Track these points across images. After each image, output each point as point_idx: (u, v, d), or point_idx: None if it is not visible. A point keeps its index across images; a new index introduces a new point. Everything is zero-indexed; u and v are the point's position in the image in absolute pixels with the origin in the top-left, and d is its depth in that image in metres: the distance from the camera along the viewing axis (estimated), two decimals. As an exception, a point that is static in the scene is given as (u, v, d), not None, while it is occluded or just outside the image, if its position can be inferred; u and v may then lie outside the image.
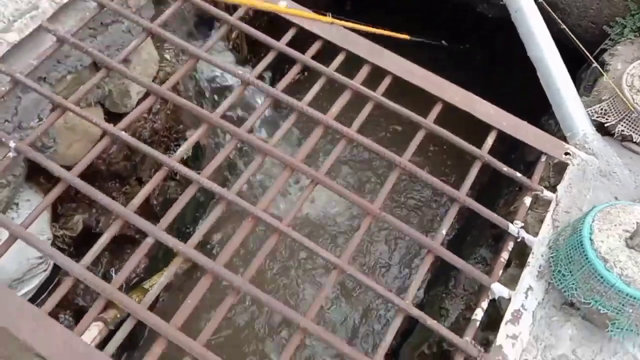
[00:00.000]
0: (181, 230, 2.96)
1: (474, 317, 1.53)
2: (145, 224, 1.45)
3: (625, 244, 1.41)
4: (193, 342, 1.33)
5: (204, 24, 2.67)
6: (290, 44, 1.87)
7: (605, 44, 2.29)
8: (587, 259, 1.40)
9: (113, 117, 2.30)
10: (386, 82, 1.82)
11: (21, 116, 1.81)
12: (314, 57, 1.83)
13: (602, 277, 1.38)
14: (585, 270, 1.41)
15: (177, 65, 2.44)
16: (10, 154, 1.53)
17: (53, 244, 2.31)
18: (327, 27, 1.86)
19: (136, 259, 1.44)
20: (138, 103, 2.33)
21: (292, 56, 1.81)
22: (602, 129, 1.93)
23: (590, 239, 1.41)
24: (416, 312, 1.48)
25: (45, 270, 2.27)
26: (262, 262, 1.50)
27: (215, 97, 2.70)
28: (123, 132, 1.58)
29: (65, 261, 1.39)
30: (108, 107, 2.24)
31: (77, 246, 2.60)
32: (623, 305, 1.39)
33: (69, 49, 1.81)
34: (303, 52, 1.83)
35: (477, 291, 2.23)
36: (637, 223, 1.40)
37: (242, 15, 1.91)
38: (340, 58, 1.85)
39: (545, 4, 2.10)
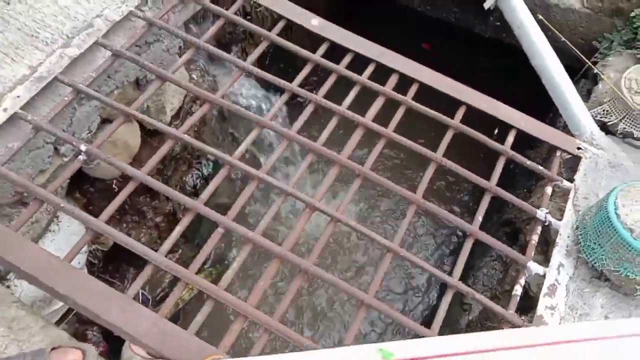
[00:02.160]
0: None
1: (514, 292, 1.67)
2: (214, 214, 1.56)
3: (647, 216, 1.59)
4: (270, 318, 1.43)
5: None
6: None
7: (595, 56, 2.53)
8: (615, 230, 1.58)
9: (146, 133, 2.41)
10: (413, 89, 2.00)
11: (75, 127, 1.91)
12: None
13: (630, 246, 1.55)
14: (614, 241, 1.59)
15: (202, 84, 2.58)
16: (81, 157, 1.62)
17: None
18: (358, 40, 2.04)
19: (208, 249, 1.54)
20: (171, 120, 2.46)
21: (328, 67, 1.97)
22: (604, 129, 2.15)
23: (616, 213, 1.59)
24: (464, 288, 1.62)
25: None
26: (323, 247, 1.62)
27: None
28: (185, 135, 1.71)
29: (144, 249, 1.49)
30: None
31: (107, 261, 2.65)
32: (650, 269, 1.57)
33: (118, 64, 1.94)
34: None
35: (497, 284, 2.39)
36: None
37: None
38: (370, 68, 2.03)
39: (544, 21, 2.34)
